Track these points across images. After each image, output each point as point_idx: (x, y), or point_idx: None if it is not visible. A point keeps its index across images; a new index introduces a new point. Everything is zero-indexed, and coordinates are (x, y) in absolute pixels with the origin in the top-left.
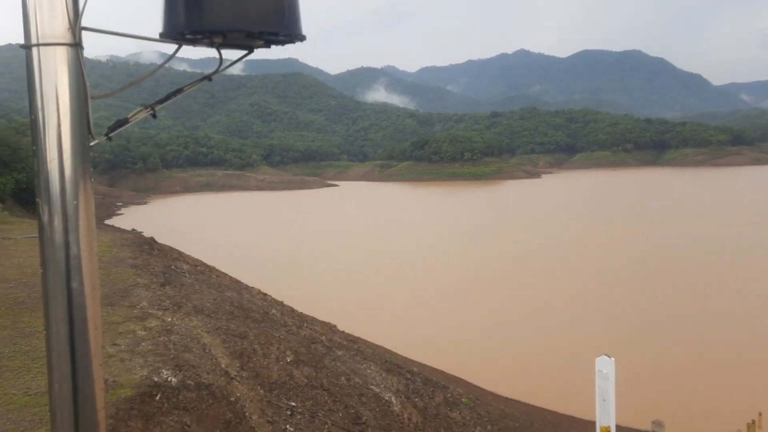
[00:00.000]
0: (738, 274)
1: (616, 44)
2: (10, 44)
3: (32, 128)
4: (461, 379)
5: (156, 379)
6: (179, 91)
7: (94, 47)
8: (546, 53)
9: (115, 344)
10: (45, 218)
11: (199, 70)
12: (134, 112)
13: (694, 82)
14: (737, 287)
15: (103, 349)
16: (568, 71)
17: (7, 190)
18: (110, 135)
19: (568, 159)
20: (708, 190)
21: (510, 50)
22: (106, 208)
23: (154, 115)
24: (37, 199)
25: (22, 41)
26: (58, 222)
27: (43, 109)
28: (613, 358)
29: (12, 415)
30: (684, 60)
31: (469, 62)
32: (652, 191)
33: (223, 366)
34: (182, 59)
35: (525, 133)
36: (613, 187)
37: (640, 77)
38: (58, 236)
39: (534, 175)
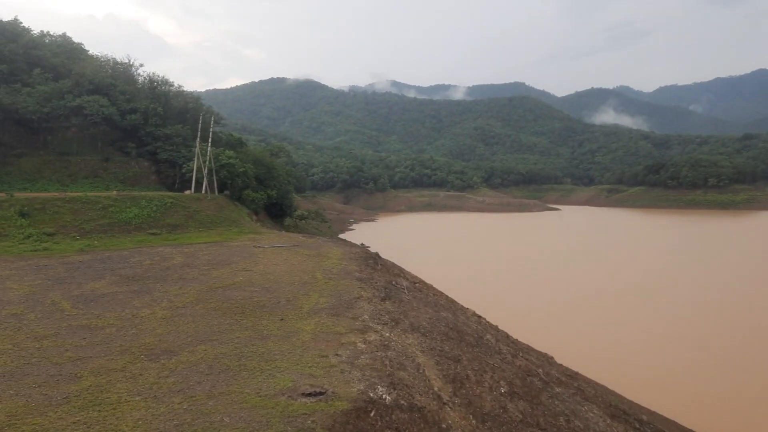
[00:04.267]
0: None
1: None
2: (272, 78)
3: None
4: None
5: (371, 394)
6: None
7: (337, 79)
8: None
9: (337, 354)
10: None
11: (426, 96)
12: None
13: None
14: None
15: (327, 358)
16: None
17: (260, 204)
18: None
19: None
20: None
21: None
22: (340, 224)
23: None
24: None
25: (280, 75)
26: None
27: None
28: None
29: (243, 414)
30: None
31: (717, 80)
32: None
33: (435, 389)
34: (410, 86)
35: None
36: None
37: None
38: None
39: None
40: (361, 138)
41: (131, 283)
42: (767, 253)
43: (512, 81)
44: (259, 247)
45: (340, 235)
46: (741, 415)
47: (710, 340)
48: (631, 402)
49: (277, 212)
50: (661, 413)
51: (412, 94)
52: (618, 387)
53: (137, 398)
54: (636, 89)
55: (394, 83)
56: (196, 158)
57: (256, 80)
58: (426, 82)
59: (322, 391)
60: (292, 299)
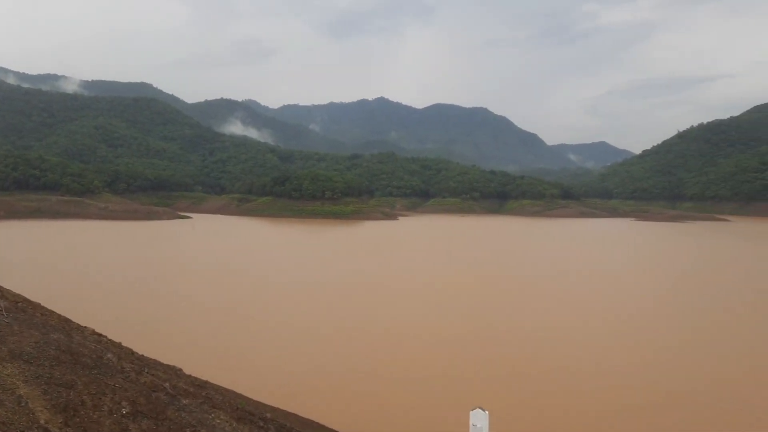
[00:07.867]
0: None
1: (467, 101)
2: None
3: None
4: (316, 423)
5: None
6: None
7: None
8: (404, 102)
9: None
10: None
11: (32, 85)
12: None
13: (531, 141)
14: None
15: None
16: (423, 121)
17: None
18: None
19: (422, 203)
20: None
21: (371, 97)
22: None
23: None
24: None
25: None
26: None
27: None
28: (487, 411)
29: None
30: (523, 120)
31: (332, 104)
32: (497, 238)
33: (42, 422)
34: (9, 71)
35: (383, 176)
36: (460, 233)
37: (485, 132)
38: None
39: (391, 216)
40: None
41: None
42: (379, 255)
43: (138, 81)
44: None
45: None
46: (350, 401)
47: (319, 327)
48: (257, 402)
49: None
50: (283, 408)
51: (11, 81)
52: (245, 390)
53: None
54: (263, 104)
55: None
56: None
57: None
58: (31, 69)
59: None
60: None
